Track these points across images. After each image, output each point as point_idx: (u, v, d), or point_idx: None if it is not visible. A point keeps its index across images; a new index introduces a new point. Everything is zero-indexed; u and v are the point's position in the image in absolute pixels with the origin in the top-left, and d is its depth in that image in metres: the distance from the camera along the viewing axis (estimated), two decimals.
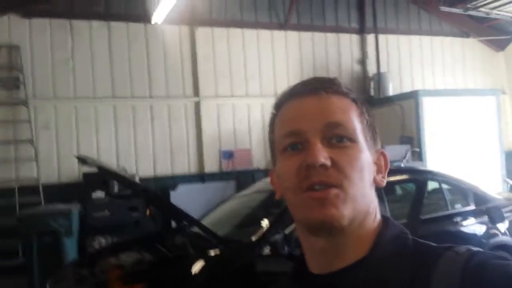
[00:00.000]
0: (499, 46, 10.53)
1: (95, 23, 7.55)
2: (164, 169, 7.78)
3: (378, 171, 0.85)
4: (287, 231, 3.43)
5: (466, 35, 10.40)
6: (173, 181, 7.60)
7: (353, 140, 0.79)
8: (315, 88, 0.82)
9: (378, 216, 0.83)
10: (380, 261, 0.76)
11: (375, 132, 0.86)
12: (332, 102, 0.81)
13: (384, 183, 0.85)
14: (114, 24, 7.64)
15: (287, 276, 0.89)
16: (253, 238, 3.52)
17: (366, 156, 0.80)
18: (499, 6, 7.81)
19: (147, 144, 7.72)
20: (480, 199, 4.59)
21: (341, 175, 0.76)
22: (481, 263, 0.69)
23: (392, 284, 0.73)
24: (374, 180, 0.83)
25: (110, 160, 6.94)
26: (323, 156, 0.75)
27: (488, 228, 4.38)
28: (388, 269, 0.75)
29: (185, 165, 7.96)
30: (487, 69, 10.55)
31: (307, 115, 0.80)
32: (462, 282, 0.67)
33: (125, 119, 7.60)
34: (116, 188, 6.38)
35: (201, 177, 7.98)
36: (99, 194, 6.29)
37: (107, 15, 7.61)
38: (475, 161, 9.32)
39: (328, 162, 0.75)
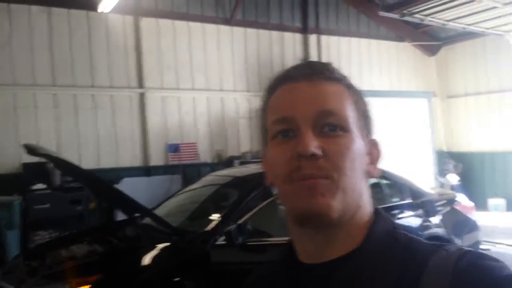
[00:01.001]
0: (431, 51, 11.26)
1: (35, 8, 7.21)
2: (108, 161, 7.60)
3: (371, 161, 0.83)
4: (240, 221, 3.53)
5: (401, 39, 11.02)
6: (118, 173, 7.45)
7: (346, 129, 0.76)
8: (309, 73, 0.80)
9: (370, 209, 0.81)
10: (370, 255, 0.75)
11: (369, 120, 0.84)
12: (326, 89, 0.78)
13: (376, 174, 0.83)
14: (55, 9, 7.34)
15: (275, 263, 0.88)
16: (207, 229, 3.58)
17: (358, 146, 0.77)
18: (433, 13, 8.34)
19: (90, 135, 7.49)
20: (416, 194, 4.90)
21: (332, 166, 0.73)
22: (472, 263, 0.68)
23: (381, 280, 0.71)
24: (366, 171, 0.81)
25: (52, 151, 6.67)
26: (313, 145, 0.73)
27: (423, 221, 4.66)
28: (377, 264, 0.73)
29: (130, 157, 7.83)
30: (420, 72, 11.26)
31: (299, 101, 0.77)
32: (452, 283, 0.66)
33: (66, 109, 7.34)
34: (58, 180, 6.16)
35: (146, 170, 7.88)
36: (39, 186, 6.04)
37: (48, 0, 7.30)
38: (410, 160, 9.94)
39: (319, 152, 0.73)
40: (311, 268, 0.78)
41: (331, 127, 0.76)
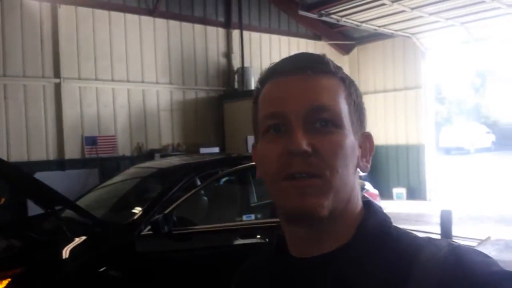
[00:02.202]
0: (345, 50, 11.94)
1: None
2: (18, 154, 7.21)
3: (363, 155, 0.81)
4: (166, 211, 3.59)
5: (318, 38, 11.56)
6: (29, 167, 7.06)
7: (338, 125, 0.75)
8: (302, 66, 0.77)
9: (360, 202, 0.81)
10: (360, 249, 0.75)
11: (362, 113, 0.82)
12: (319, 82, 0.76)
13: (368, 169, 0.82)
14: None
15: (265, 255, 0.88)
16: (133, 219, 3.61)
17: (350, 142, 0.76)
18: (348, 14, 8.88)
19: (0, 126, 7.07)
20: None
21: (323, 164, 0.72)
22: (461, 259, 0.68)
23: (371, 275, 0.71)
24: (358, 165, 0.79)
25: None
26: (305, 143, 0.71)
27: None
28: (367, 259, 0.73)
29: (43, 151, 7.48)
30: None
31: (291, 96, 0.75)
32: (441, 278, 0.67)
33: None
34: None
35: (61, 164, 7.58)
36: None
37: None
38: None
39: (310, 149, 0.72)
40: (301, 262, 0.78)
41: (323, 122, 0.74)
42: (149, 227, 3.47)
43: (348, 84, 0.80)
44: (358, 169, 0.80)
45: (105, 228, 3.62)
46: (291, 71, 0.77)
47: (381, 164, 11.32)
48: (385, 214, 0.81)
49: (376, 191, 5.57)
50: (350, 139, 0.76)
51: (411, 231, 0.79)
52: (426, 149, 10.80)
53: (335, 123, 0.75)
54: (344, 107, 0.76)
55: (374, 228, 0.77)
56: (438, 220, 6.13)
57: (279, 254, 0.83)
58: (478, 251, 0.71)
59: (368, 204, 0.81)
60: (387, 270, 0.71)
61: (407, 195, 10.88)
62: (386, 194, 10.33)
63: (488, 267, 0.67)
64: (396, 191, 10.96)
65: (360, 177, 9.62)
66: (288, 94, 0.76)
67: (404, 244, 0.74)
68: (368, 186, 5.67)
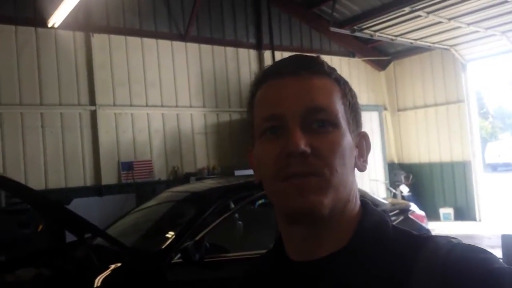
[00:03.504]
0: (381, 66, 11.64)
1: None
2: (56, 181, 7.28)
3: (360, 155, 0.81)
4: (197, 238, 3.43)
5: (352, 55, 11.34)
6: (67, 194, 7.13)
7: (335, 125, 0.75)
8: (296, 68, 0.77)
9: (358, 202, 0.80)
10: (360, 250, 0.74)
11: (357, 113, 0.82)
12: (314, 83, 0.76)
13: (365, 168, 0.82)
14: (1, 26, 7.05)
15: (263, 261, 0.87)
16: (162, 247, 3.47)
17: (348, 141, 0.76)
18: (382, 29, 8.66)
19: (37, 154, 7.17)
20: None
21: (322, 163, 0.72)
22: (462, 256, 0.68)
23: (371, 277, 0.71)
24: (355, 165, 0.80)
25: None
26: (303, 143, 0.71)
27: None
28: (367, 261, 0.72)
29: (80, 177, 7.53)
30: (371, 86, 11.59)
31: (287, 98, 0.75)
32: (443, 276, 0.66)
33: (13, 128, 7.01)
34: (3, 203, 5.82)
35: (98, 190, 7.60)
36: None
37: None
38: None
39: (308, 150, 0.72)
40: (300, 266, 0.77)
41: (320, 123, 0.75)
42: (179, 255, 3.32)
43: (343, 85, 0.80)
44: (356, 169, 0.80)
45: (135, 256, 3.48)
46: (286, 73, 0.77)
47: (425, 183, 10.86)
48: (382, 214, 0.81)
49: (422, 213, 5.24)
50: (347, 138, 0.77)
51: (411, 230, 0.78)
52: (472, 166, 10.23)
53: (332, 123, 0.75)
54: (340, 107, 0.77)
55: (372, 229, 0.77)
56: (490, 243, 5.71)
57: (277, 259, 0.82)
58: (479, 247, 0.71)
59: (365, 204, 0.81)
60: (388, 269, 0.70)
61: (454, 215, 10.26)
62: (432, 215, 9.82)
63: (489, 263, 0.66)
64: (443, 211, 10.37)
65: (403, 197, 9.25)
66: (284, 96, 0.76)
67: (404, 242, 0.74)
68: (414, 207, 5.35)
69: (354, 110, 0.81)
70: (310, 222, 0.74)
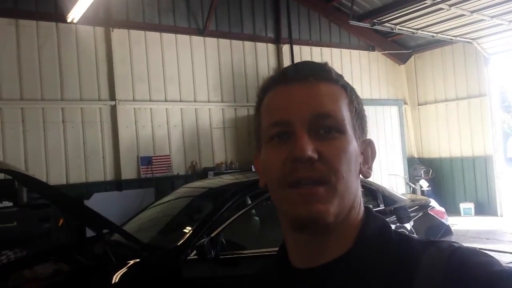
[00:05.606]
0: (401, 59, 11.45)
1: (2, 20, 7.02)
2: (77, 176, 7.40)
3: (365, 161, 0.82)
4: (213, 234, 3.44)
5: (371, 48, 11.18)
6: (87, 189, 7.25)
7: (341, 131, 0.76)
8: (304, 74, 0.78)
9: (362, 208, 0.81)
10: (363, 256, 0.74)
11: (363, 120, 0.83)
12: (321, 90, 0.77)
13: (370, 175, 0.82)
14: (23, 22, 7.17)
15: (267, 268, 0.87)
16: (178, 243, 3.49)
17: (354, 148, 0.77)
18: (402, 22, 8.50)
19: (58, 149, 7.29)
20: (389, 200, 4.91)
21: (328, 169, 0.73)
22: (463, 260, 0.68)
23: (375, 280, 0.71)
24: (360, 171, 0.80)
25: (17, 167, 6.46)
26: (310, 149, 0.72)
27: (396, 227, 4.69)
28: (370, 265, 0.73)
29: (100, 172, 7.64)
30: (391, 80, 11.42)
31: (295, 104, 0.76)
32: (444, 280, 0.67)
33: (34, 123, 7.14)
34: (25, 197, 5.95)
35: (118, 184, 7.70)
36: (6, 203, 5.81)
37: (16, 12, 7.12)
38: (382, 166, 10.03)
39: (315, 155, 0.72)
40: (304, 274, 0.78)
41: (327, 129, 0.75)
42: (195, 251, 3.34)
43: (350, 92, 0.81)
44: (361, 175, 0.81)
45: (152, 252, 3.52)
46: (294, 79, 0.78)
47: (446, 178, 10.69)
48: (385, 219, 0.82)
49: (442, 209, 5.16)
50: (353, 145, 0.77)
51: (412, 235, 0.79)
52: (494, 161, 10.03)
53: (338, 129, 0.76)
54: (346, 114, 0.78)
55: (375, 234, 0.78)
56: (511, 238, 5.57)
57: (281, 266, 0.82)
58: (480, 251, 0.71)
59: (368, 210, 0.82)
60: (390, 274, 0.71)
61: (475, 210, 10.10)
62: (452, 209, 9.68)
63: (490, 266, 0.67)
64: (463, 206, 10.21)
65: (423, 192, 9.11)
66: (292, 102, 0.77)
67: (406, 247, 0.75)
68: (433, 203, 5.27)
69: (360, 117, 0.82)
70: (316, 230, 0.74)
